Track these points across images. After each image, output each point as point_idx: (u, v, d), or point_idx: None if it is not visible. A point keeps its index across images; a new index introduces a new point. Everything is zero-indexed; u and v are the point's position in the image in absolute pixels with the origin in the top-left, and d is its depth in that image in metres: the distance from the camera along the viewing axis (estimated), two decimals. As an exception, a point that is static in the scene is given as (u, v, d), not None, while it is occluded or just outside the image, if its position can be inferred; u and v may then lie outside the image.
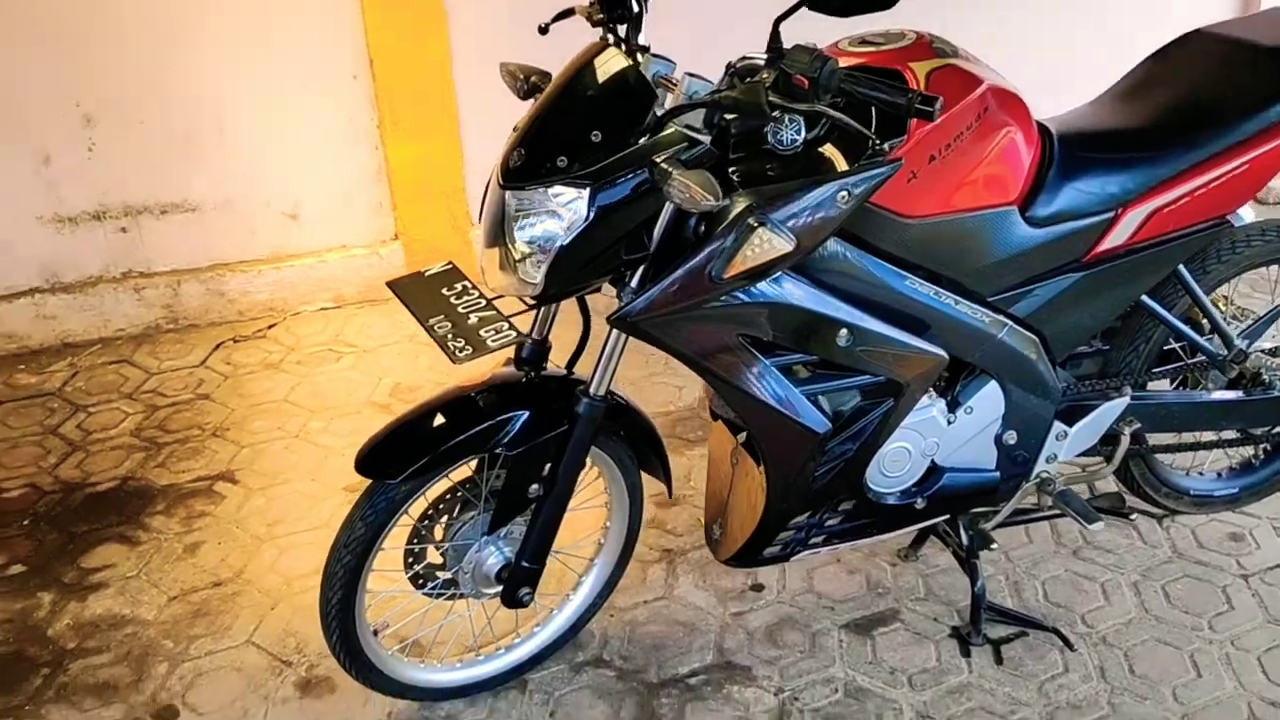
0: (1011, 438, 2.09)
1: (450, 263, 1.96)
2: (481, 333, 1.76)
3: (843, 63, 1.81)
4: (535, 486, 1.90)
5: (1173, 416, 2.23)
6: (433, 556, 2.00)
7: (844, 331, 1.82)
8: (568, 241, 1.67)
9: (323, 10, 3.38)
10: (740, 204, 1.68)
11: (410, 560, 1.98)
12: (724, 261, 1.68)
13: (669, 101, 1.75)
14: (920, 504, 2.08)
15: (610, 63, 1.72)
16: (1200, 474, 2.52)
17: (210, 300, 3.56)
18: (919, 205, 1.80)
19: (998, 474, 2.12)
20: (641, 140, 1.68)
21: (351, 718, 2.10)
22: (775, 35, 1.70)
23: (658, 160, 1.64)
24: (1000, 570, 2.44)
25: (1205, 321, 2.23)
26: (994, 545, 2.22)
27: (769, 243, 1.68)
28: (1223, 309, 2.25)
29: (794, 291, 1.77)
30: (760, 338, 1.79)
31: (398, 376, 3.30)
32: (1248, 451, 2.49)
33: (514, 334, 1.77)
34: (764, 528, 2.01)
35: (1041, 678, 2.14)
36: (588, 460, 2.05)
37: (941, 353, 1.92)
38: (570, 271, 1.70)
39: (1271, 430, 2.35)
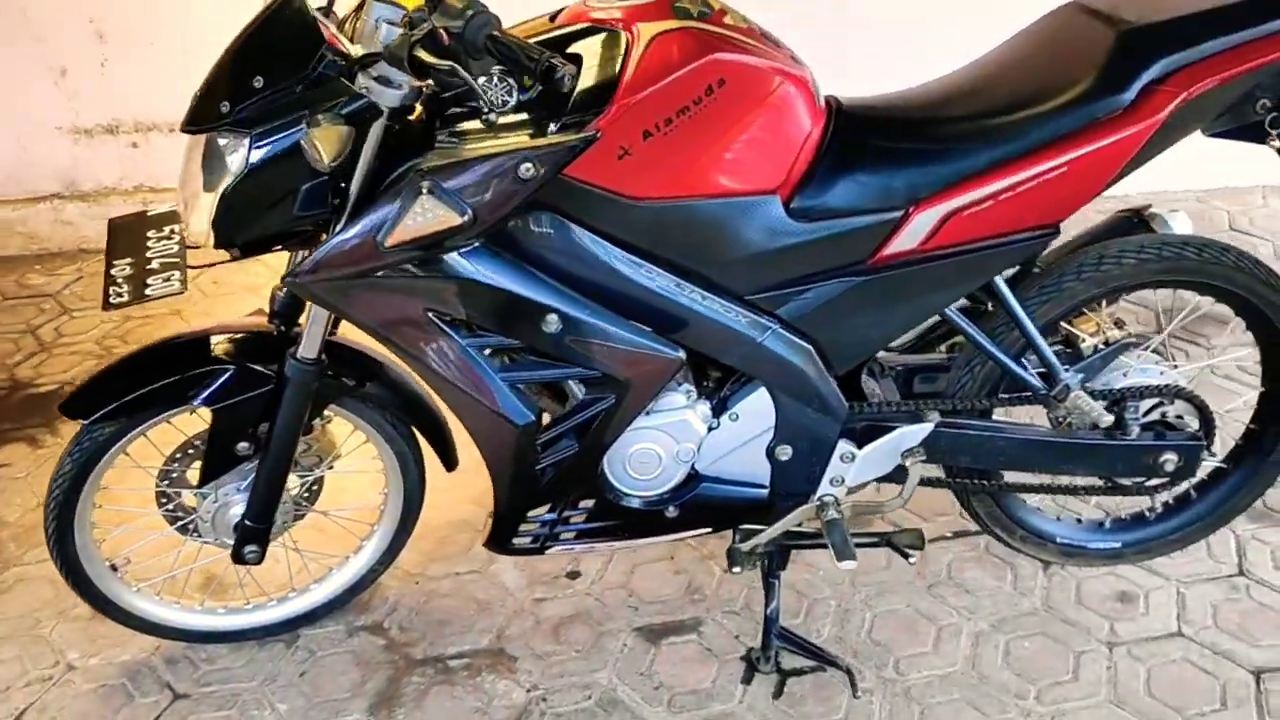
0: (785, 453, 1.86)
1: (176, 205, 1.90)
2: (150, 280, 1.71)
3: (572, 22, 1.64)
4: (244, 445, 1.85)
5: (995, 452, 1.92)
6: (188, 497, 2.00)
7: (552, 317, 1.66)
8: (227, 191, 1.59)
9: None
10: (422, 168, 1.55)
11: (163, 499, 1.98)
12: (389, 228, 1.56)
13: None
14: (672, 512, 1.89)
15: (262, 11, 1.61)
16: (1079, 520, 2.17)
17: (213, 220, 3.68)
18: (645, 186, 1.61)
19: (768, 491, 1.90)
20: (300, 88, 1.57)
21: (128, 642, 2.14)
22: None
23: (314, 112, 1.54)
24: (838, 595, 2.21)
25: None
26: (792, 566, 2.00)
27: (434, 212, 1.55)
28: (1090, 334, 1.91)
29: (488, 268, 1.63)
30: (455, 316, 1.67)
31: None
32: (1147, 501, 2.13)
33: (178, 285, 1.71)
34: (499, 518, 1.89)
35: (814, 721, 1.94)
36: (353, 425, 2.00)
37: (674, 352, 1.73)
38: (241, 224, 1.62)
39: (1137, 480, 2.00)
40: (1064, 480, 2.05)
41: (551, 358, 1.72)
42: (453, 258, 1.61)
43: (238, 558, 1.95)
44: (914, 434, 1.86)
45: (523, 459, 1.78)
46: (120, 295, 1.69)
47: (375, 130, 1.57)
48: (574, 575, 2.29)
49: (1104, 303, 1.95)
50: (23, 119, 3.54)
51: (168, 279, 1.71)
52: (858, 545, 1.90)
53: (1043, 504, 2.18)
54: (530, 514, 1.88)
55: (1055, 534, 2.13)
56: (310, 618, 2.17)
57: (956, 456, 1.92)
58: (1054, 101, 1.69)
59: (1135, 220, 2.00)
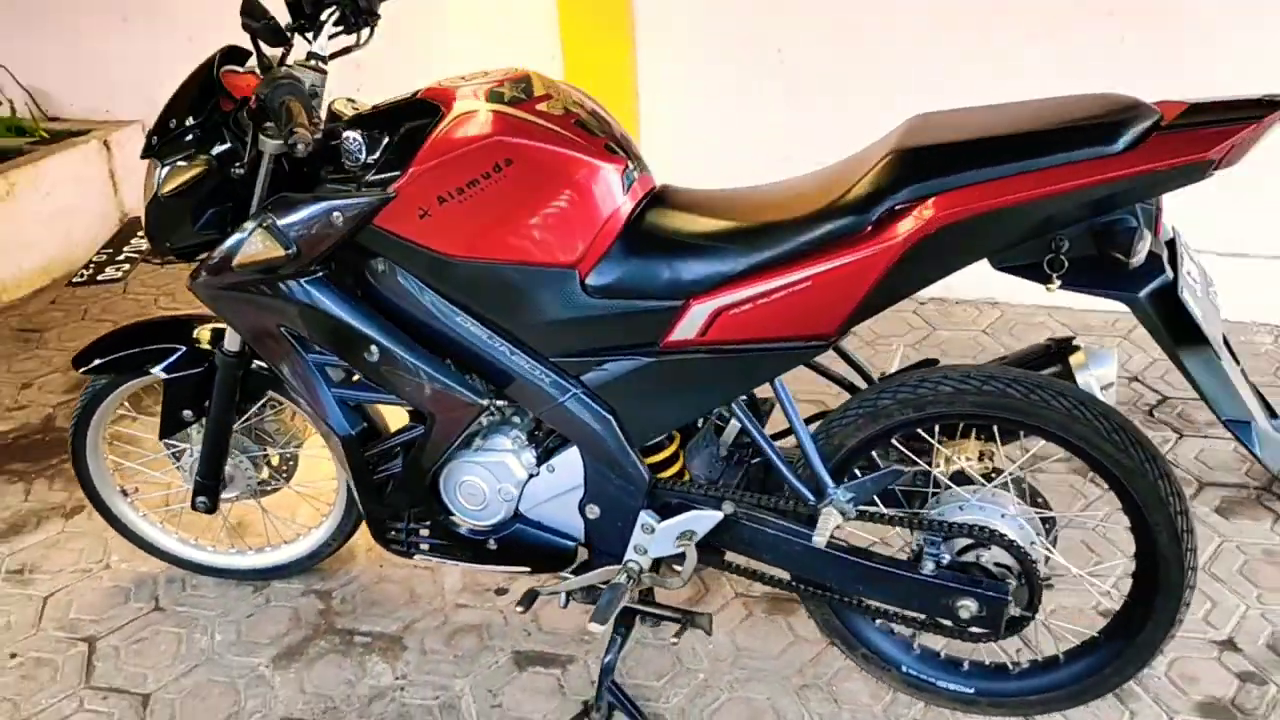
0: (594, 511, 1.95)
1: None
2: (109, 269, 2.14)
3: (427, 96, 1.86)
4: (188, 413, 2.25)
5: (790, 557, 1.87)
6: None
7: (374, 348, 1.90)
8: (148, 206, 1.99)
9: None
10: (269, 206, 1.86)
11: (168, 446, 2.44)
12: (235, 251, 1.89)
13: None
14: (493, 545, 2.04)
15: (200, 62, 1.97)
16: (936, 654, 2.01)
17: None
18: (449, 245, 1.80)
19: (577, 544, 1.99)
20: (198, 131, 1.92)
21: (152, 559, 2.64)
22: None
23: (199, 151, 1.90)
24: (711, 669, 2.22)
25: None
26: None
27: (264, 243, 1.85)
28: (946, 459, 1.81)
29: (323, 297, 1.90)
30: (300, 334, 1.96)
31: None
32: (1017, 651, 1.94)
33: (119, 276, 2.13)
34: (366, 516, 2.14)
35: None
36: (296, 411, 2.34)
37: (477, 399, 1.89)
38: (163, 233, 2.01)
39: (940, 620, 1.83)
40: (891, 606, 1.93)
41: (374, 384, 1.95)
42: (296, 284, 1.90)
43: (193, 504, 2.36)
44: (704, 519, 1.88)
45: (358, 467, 2.04)
46: (81, 277, 2.16)
47: (264, 165, 1.89)
48: (501, 592, 2.48)
49: (975, 432, 1.84)
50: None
51: (118, 270, 2.15)
52: (658, 615, 1.95)
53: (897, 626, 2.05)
54: (390, 520, 2.12)
55: (901, 662, 2.01)
56: (279, 572, 2.55)
57: (756, 552, 1.90)
58: (806, 214, 1.65)
59: (1053, 350, 1.87)
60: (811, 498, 1.81)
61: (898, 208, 1.58)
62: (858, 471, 1.85)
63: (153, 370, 2.22)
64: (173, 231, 2.01)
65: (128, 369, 2.26)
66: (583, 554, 2.02)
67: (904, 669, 2.01)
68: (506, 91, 1.81)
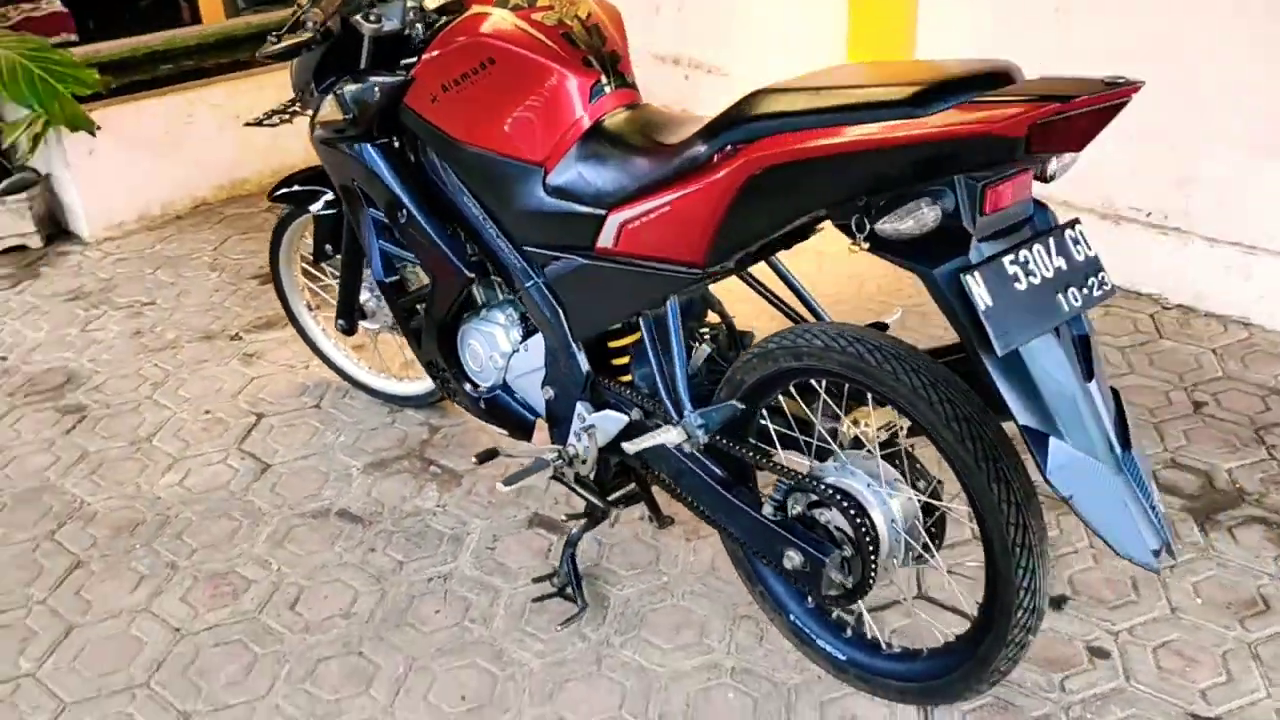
0: (549, 393, 2.14)
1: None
2: (273, 118, 2.61)
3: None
4: (329, 246, 2.72)
5: (678, 474, 1.93)
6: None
7: (403, 211, 2.23)
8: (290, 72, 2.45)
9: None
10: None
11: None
12: (319, 112, 2.30)
13: None
14: (483, 405, 2.31)
15: None
16: (825, 612, 1.97)
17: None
18: (454, 129, 2.08)
19: (537, 418, 2.20)
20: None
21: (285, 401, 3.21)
22: None
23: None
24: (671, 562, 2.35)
25: None
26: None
27: (333, 108, 2.24)
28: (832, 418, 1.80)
29: (379, 161, 2.26)
30: (364, 189, 2.33)
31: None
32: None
33: (277, 122, 2.59)
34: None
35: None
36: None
37: (464, 271, 2.16)
38: (300, 93, 2.45)
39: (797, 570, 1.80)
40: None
41: (404, 245, 2.28)
42: (363, 147, 2.26)
43: (335, 324, 2.85)
44: (612, 420, 2.01)
45: (396, 314, 2.40)
46: (253, 120, 2.66)
47: (366, 45, 2.26)
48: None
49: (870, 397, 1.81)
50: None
51: (281, 118, 2.62)
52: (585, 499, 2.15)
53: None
54: (433, 365, 2.46)
55: (790, 609, 2.01)
56: (409, 402, 2.99)
57: (658, 465, 2.00)
58: (680, 140, 1.69)
59: None
60: (674, 415, 1.89)
61: (735, 145, 1.60)
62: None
63: (308, 208, 2.72)
64: (304, 91, 2.45)
65: (298, 203, 2.78)
66: (543, 428, 2.23)
67: (791, 617, 2.02)
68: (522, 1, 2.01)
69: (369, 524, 2.58)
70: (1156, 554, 1.49)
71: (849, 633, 1.98)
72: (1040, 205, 1.57)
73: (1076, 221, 1.57)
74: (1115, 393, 1.58)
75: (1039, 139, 1.34)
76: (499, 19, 1.99)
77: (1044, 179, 1.58)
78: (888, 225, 1.47)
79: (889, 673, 1.90)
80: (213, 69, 4.61)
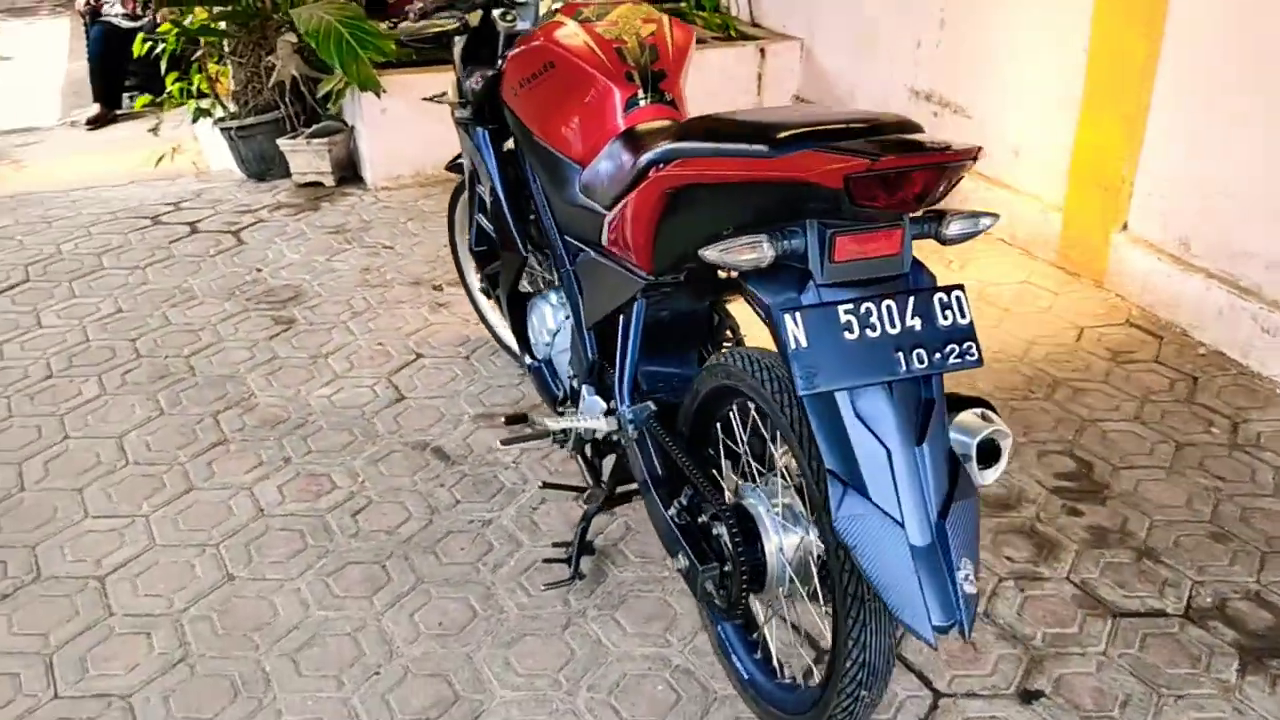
0: (570, 372, 2.33)
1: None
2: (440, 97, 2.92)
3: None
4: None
5: (623, 462, 2.04)
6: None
7: (491, 188, 2.50)
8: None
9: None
10: None
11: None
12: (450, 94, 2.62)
13: None
14: (530, 373, 2.53)
15: None
16: (749, 632, 1.98)
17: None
18: (528, 122, 2.31)
19: (562, 394, 2.38)
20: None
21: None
22: None
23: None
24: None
25: None
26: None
27: (455, 93, 2.54)
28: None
29: (481, 143, 2.54)
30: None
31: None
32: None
33: (442, 100, 2.90)
34: None
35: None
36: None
37: (521, 250, 2.39)
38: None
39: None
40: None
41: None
42: (475, 129, 2.55)
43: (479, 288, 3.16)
44: (596, 406, 2.15)
45: (484, 280, 2.67)
46: (426, 98, 2.98)
47: (501, 41, 2.54)
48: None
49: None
50: (886, 71, 4.66)
51: (443, 100, 2.93)
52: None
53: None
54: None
55: (719, 621, 2.06)
56: (537, 369, 3.27)
57: (623, 450, 2.12)
58: (641, 155, 1.80)
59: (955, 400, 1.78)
60: (616, 404, 2.01)
61: (658, 165, 1.71)
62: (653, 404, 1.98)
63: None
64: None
65: (462, 173, 3.12)
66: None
67: (719, 627, 2.07)
68: (586, 13, 2.21)
69: (451, 464, 2.88)
70: (943, 630, 1.45)
71: (759, 654, 2.02)
72: (919, 266, 1.56)
73: (958, 288, 1.54)
74: (956, 461, 1.54)
75: (861, 192, 1.37)
76: (568, 29, 2.19)
77: (940, 240, 1.57)
78: (722, 254, 1.53)
79: (775, 700, 1.92)
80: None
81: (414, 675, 2.19)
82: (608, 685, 2.16)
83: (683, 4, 5.74)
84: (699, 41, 5.20)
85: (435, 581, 2.45)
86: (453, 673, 2.20)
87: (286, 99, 4.85)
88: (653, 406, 1.96)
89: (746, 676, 2.00)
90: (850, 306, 1.49)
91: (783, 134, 1.47)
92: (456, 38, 2.55)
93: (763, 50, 5.24)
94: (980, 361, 1.54)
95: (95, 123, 7.16)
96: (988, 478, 1.69)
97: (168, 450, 2.94)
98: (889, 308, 1.49)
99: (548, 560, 2.47)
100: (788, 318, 1.47)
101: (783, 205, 1.50)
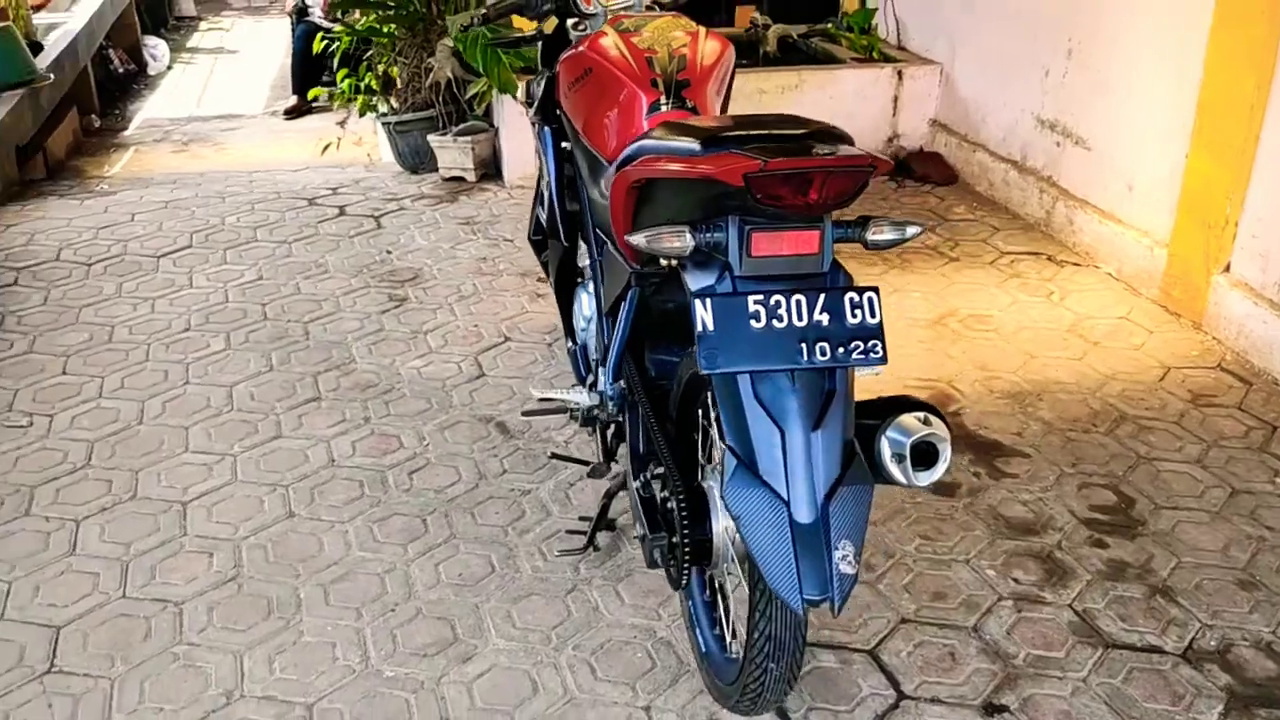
0: (595, 355, 2.50)
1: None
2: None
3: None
4: None
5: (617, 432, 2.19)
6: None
7: (547, 180, 2.70)
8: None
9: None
10: None
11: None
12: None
13: None
14: (570, 354, 2.72)
15: None
16: (713, 607, 2.09)
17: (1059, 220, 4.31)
18: (575, 121, 2.51)
19: (586, 375, 2.55)
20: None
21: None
22: None
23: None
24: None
25: None
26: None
27: (524, 94, 2.77)
28: None
29: (546, 138, 2.74)
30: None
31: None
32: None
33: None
34: None
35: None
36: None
37: (563, 240, 2.58)
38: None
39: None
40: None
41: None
42: (541, 127, 2.76)
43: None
44: (598, 384, 2.32)
45: (542, 265, 2.87)
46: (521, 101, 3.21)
47: (573, 40, 2.75)
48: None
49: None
50: (1016, 99, 4.63)
51: None
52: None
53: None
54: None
55: (693, 595, 2.18)
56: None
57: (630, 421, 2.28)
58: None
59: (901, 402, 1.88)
60: (600, 381, 2.17)
61: (626, 161, 1.87)
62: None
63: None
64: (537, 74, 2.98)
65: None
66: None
67: (690, 602, 2.20)
68: (627, 23, 2.38)
69: (509, 437, 3.10)
70: (814, 603, 1.55)
71: (718, 629, 2.14)
72: (838, 267, 1.66)
73: (871, 289, 1.63)
74: (853, 451, 1.62)
75: (762, 191, 1.49)
76: (607, 38, 2.37)
77: (865, 244, 1.67)
78: (647, 241, 1.67)
79: (717, 670, 2.04)
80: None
81: (424, 616, 2.41)
82: (592, 647, 2.32)
83: (829, 25, 5.82)
84: (835, 62, 5.30)
85: (466, 538, 2.66)
86: (458, 619, 2.40)
87: (441, 98, 5.21)
88: (623, 386, 2.12)
89: (704, 649, 2.12)
90: (760, 298, 1.60)
91: (710, 135, 1.61)
92: (517, 45, 2.78)
93: (900, 73, 5.27)
94: (884, 360, 1.63)
95: (292, 113, 7.81)
96: (922, 479, 1.78)
97: (267, 402, 3.28)
98: (798, 302, 1.60)
99: (570, 531, 2.65)
100: (699, 303, 1.61)
101: (712, 202, 1.64)
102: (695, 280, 1.66)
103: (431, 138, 5.21)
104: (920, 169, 5.16)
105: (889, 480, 1.82)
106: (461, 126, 5.19)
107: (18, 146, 5.52)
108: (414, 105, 5.33)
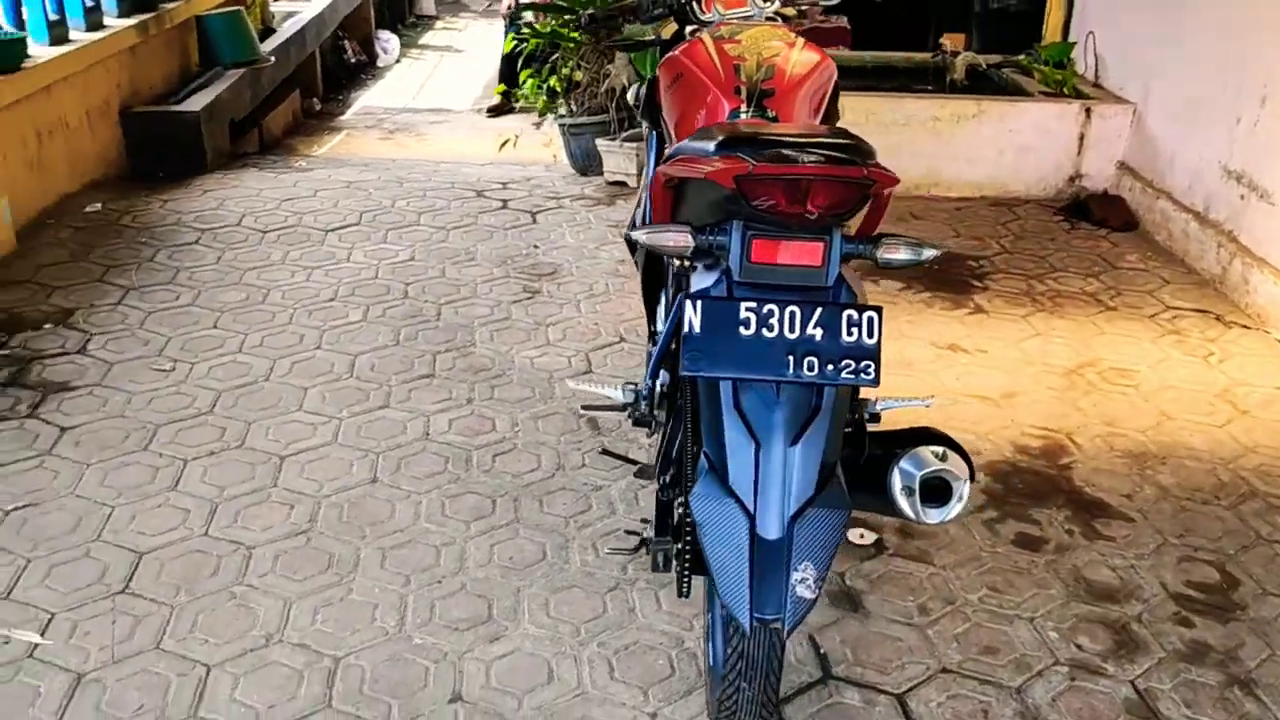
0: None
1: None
2: None
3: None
4: None
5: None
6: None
7: (646, 179, 2.73)
8: None
9: None
10: None
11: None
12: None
13: None
14: (650, 347, 2.73)
15: None
16: None
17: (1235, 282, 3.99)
18: (669, 123, 2.52)
19: None
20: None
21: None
22: None
23: None
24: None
25: None
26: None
27: (632, 94, 2.80)
28: None
29: (651, 142, 2.77)
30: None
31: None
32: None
33: None
34: None
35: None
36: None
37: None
38: None
39: None
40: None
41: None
42: (646, 126, 2.79)
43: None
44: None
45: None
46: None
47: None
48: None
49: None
50: (1203, 145, 4.32)
51: None
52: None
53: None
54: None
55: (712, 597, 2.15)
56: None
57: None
58: None
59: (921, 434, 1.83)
60: (639, 383, 2.16)
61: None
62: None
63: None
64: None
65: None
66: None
67: (710, 614, 2.15)
68: (724, 30, 2.37)
69: (597, 433, 3.13)
70: (763, 622, 1.50)
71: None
72: (844, 282, 1.60)
73: (874, 309, 1.57)
74: (832, 472, 1.56)
75: (754, 195, 1.46)
76: (702, 45, 2.37)
77: (876, 262, 1.61)
78: (649, 238, 1.65)
79: (714, 688, 1.99)
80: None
81: (466, 592, 2.48)
82: (616, 646, 2.32)
83: (1024, 57, 5.59)
84: (1023, 94, 5.10)
85: (527, 524, 2.72)
86: (497, 599, 2.45)
87: (615, 104, 5.32)
88: (650, 385, 2.11)
89: (711, 663, 2.09)
90: (754, 305, 1.57)
91: (728, 138, 1.59)
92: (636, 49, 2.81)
93: (1089, 110, 5.00)
94: (875, 382, 1.56)
95: (494, 111, 8.15)
96: (932, 517, 1.71)
97: (384, 373, 3.44)
98: (792, 313, 1.56)
99: (628, 531, 2.66)
100: (689, 304, 1.59)
101: (722, 205, 1.62)
102: (698, 282, 1.65)
103: (600, 142, 5.33)
104: (1099, 212, 4.89)
105: (899, 514, 1.77)
106: (629, 133, 5.28)
107: (232, 120, 5.99)
108: (589, 109, 5.47)
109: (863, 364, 1.56)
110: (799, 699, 2.20)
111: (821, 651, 2.32)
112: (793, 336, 1.56)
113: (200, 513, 2.73)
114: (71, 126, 4.90)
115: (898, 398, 2.07)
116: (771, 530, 1.53)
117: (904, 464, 1.74)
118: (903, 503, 1.76)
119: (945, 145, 5.04)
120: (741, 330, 1.57)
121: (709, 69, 2.29)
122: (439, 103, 8.88)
